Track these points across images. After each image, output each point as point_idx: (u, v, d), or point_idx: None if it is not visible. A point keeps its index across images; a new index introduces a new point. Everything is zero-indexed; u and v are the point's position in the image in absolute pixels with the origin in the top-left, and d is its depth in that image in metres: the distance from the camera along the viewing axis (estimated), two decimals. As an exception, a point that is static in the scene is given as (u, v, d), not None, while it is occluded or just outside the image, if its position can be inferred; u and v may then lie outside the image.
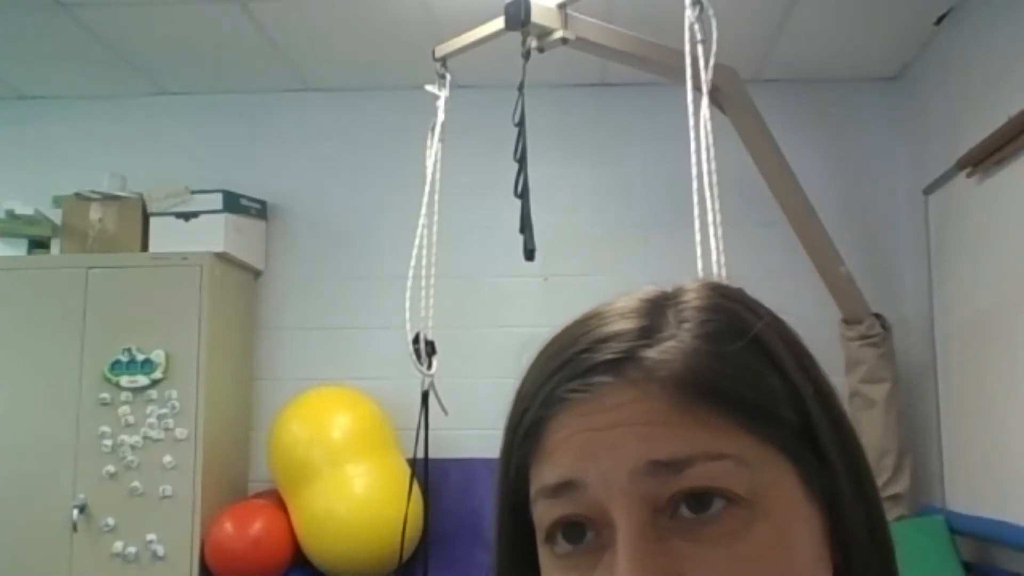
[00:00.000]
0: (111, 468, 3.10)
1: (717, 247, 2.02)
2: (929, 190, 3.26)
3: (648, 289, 0.55)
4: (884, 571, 0.54)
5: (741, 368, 0.50)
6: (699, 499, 0.47)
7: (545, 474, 0.50)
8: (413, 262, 2.58)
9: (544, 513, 0.51)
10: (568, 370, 0.51)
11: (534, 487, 0.52)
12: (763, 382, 0.50)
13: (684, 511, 0.47)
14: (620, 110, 3.65)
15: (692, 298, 0.53)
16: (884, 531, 0.54)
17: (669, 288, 0.55)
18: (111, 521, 3.07)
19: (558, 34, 2.38)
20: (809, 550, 0.49)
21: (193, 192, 3.42)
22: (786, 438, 0.50)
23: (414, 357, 2.58)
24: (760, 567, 0.46)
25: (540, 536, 0.51)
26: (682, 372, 0.49)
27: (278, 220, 3.70)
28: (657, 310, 0.53)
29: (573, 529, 0.49)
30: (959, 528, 2.89)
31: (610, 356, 0.50)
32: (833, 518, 0.51)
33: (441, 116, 2.65)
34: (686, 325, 0.51)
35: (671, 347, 0.50)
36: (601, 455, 0.48)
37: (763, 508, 0.47)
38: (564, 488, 0.49)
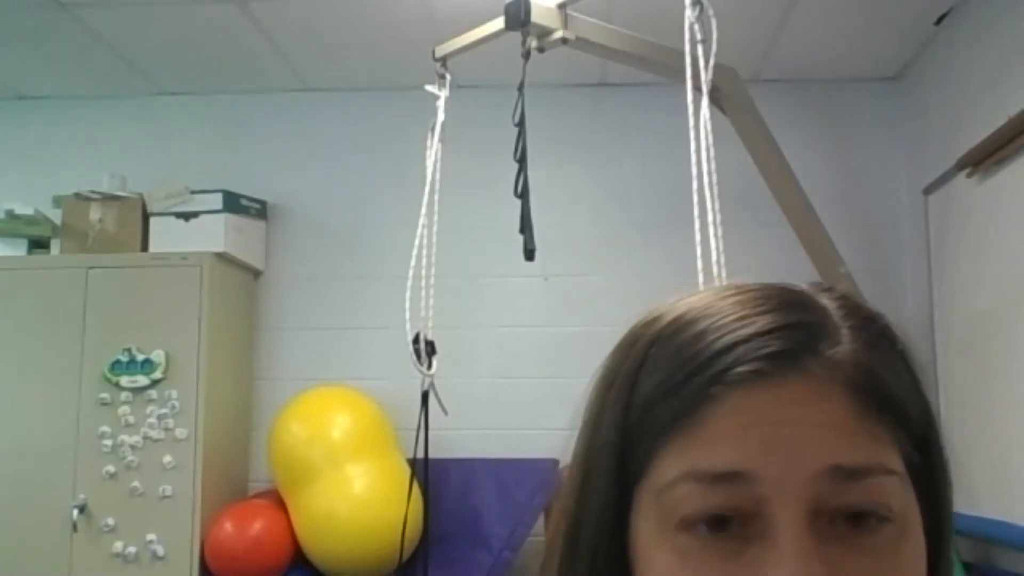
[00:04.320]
0: (111, 468, 3.10)
1: (717, 247, 2.02)
2: (929, 190, 3.26)
3: (775, 284, 0.55)
4: None
5: (904, 384, 0.51)
6: (859, 517, 0.48)
7: (704, 458, 0.48)
8: (413, 262, 2.58)
9: (688, 499, 0.48)
10: (743, 350, 0.49)
11: (680, 468, 0.49)
12: (915, 402, 0.52)
13: (841, 521, 0.47)
14: (619, 110, 3.65)
15: (839, 299, 0.54)
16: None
17: (798, 285, 0.55)
18: (111, 521, 3.07)
19: (558, 34, 2.38)
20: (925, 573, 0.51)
21: (193, 192, 3.42)
22: (916, 462, 0.51)
23: (414, 357, 2.58)
24: None
25: (668, 521, 0.49)
26: (863, 379, 0.49)
27: (278, 220, 3.70)
28: (813, 306, 0.52)
29: (717, 520, 0.48)
30: (959, 528, 2.89)
31: (792, 346, 0.49)
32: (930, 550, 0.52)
33: (441, 116, 2.65)
34: (849, 327, 0.51)
35: (850, 350, 0.50)
36: (783, 451, 0.47)
37: (906, 527, 0.49)
38: (729, 477, 0.47)
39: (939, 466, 0.53)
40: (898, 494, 0.49)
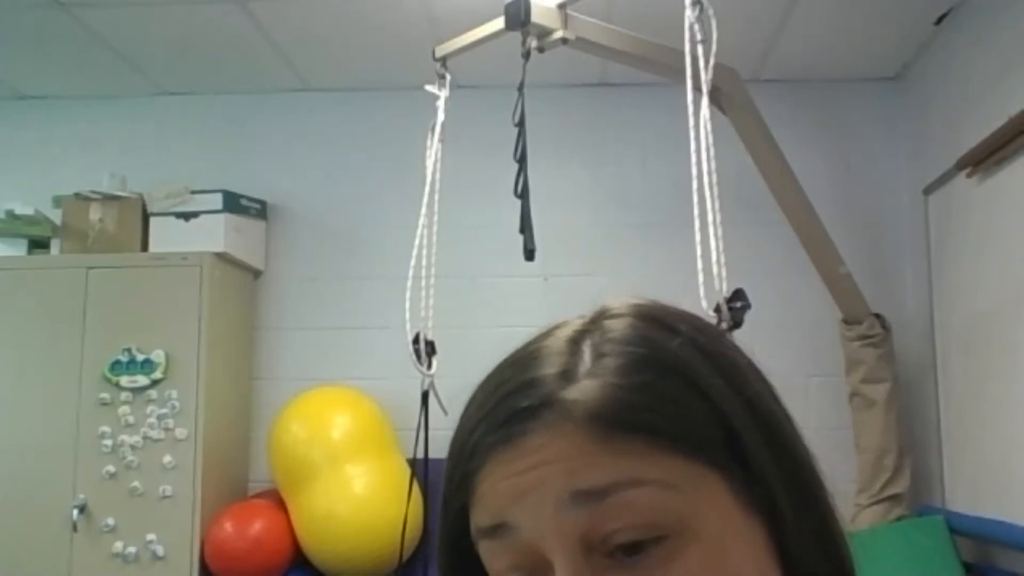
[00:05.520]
0: (111, 468, 3.10)
1: (717, 247, 2.02)
2: (929, 190, 3.26)
3: (572, 321, 0.56)
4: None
5: (656, 396, 0.50)
6: (635, 543, 0.48)
7: (479, 517, 0.52)
8: (413, 262, 2.58)
9: (488, 556, 0.52)
10: (489, 420, 0.52)
11: (474, 528, 0.53)
12: (681, 405, 0.50)
13: (619, 553, 0.48)
14: (620, 110, 3.65)
15: (611, 327, 0.54)
16: (834, 541, 0.54)
17: (592, 314, 0.56)
18: (111, 521, 3.07)
19: (558, 34, 2.38)
20: (749, 564, 0.49)
21: (193, 192, 3.42)
22: (713, 454, 0.50)
23: (414, 357, 2.58)
24: None
25: None
26: (597, 408, 0.49)
27: (278, 220, 3.70)
28: (575, 348, 0.53)
29: None
30: (959, 528, 2.89)
31: (527, 403, 0.51)
32: (777, 531, 0.51)
33: (441, 116, 2.65)
34: (603, 360, 0.51)
35: (586, 386, 0.50)
36: (526, 496, 0.49)
37: (693, 531, 0.48)
38: (497, 530, 0.51)
39: (756, 457, 0.51)
40: (662, 502, 0.48)
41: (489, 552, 0.52)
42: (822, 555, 0.53)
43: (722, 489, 0.50)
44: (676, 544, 0.47)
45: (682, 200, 2.15)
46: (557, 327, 0.56)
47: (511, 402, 0.51)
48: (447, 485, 0.56)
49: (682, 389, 0.51)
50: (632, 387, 0.50)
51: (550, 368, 0.52)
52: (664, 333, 0.53)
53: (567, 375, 0.51)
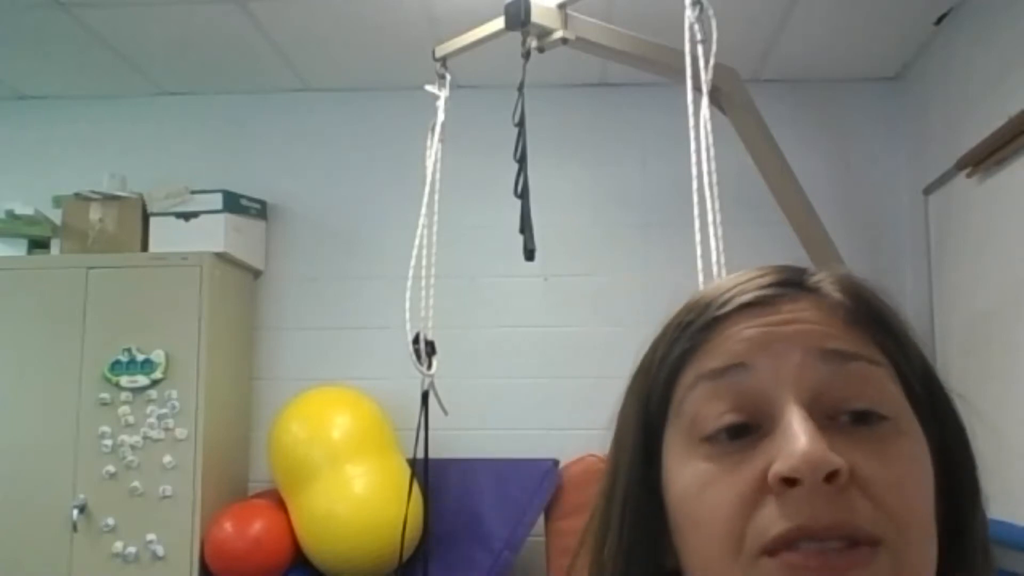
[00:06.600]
0: (111, 468, 3.10)
1: (717, 247, 2.02)
2: (929, 190, 3.26)
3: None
4: (984, 555, 0.60)
5: (888, 314, 0.58)
6: (858, 416, 0.52)
7: (710, 360, 0.55)
8: (413, 262, 2.58)
9: (705, 398, 0.54)
10: (741, 287, 0.58)
11: (692, 376, 0.56)
12: (903, 332, 0.58)
13: (843, 418, 0.52)
14: (620, 110, 3.65)
15: (821, 272, 0.61)
16: (982, 509, 0.61)
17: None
18: (111, 521, 3.07)
19: (558, 34, 2.38)
20: (931, 487, 0.54)
21: (193, 192, 3.42)
22: (916, 389, 0.56)
23: (414, 357, 2.58)
24: (908, 470, 0.52)
25: (692, 436, 0.55)
26: (844, 299, 0.57)
27: (278, 220, 3.70)
28: (802, 269, 0.60)
29: (735, 429, 0.53)
30: (959, 528, 2.89)
31: (782, 280, 0.58)
32: (942, 477, 0.55)
33: (441, 116, 2.65)
34: (837, 277, 0.59)
35: (833, 280, 0.58)
36: (777, 344, 0.54)
37: (905, 427, 0.53)
38: (730, 370, 0.54)
39: (944, 406, 0.57)
40: (889, 387, 0.54)
41: (709, 393, 0.54)
42: (976, 517, 0.61)
43: (916, 420, 0.55)
44: (894, 429, 0.53)
45: (682, 200, 2.15)
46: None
47: (764, 279, 0.58)
48: (669, 341, 0.58)
49: (902, 323, 0.58)
50: (870, 297, 0.58)
51: (795, 269, 0.59)
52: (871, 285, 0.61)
53: (810, 272, 0.59)
